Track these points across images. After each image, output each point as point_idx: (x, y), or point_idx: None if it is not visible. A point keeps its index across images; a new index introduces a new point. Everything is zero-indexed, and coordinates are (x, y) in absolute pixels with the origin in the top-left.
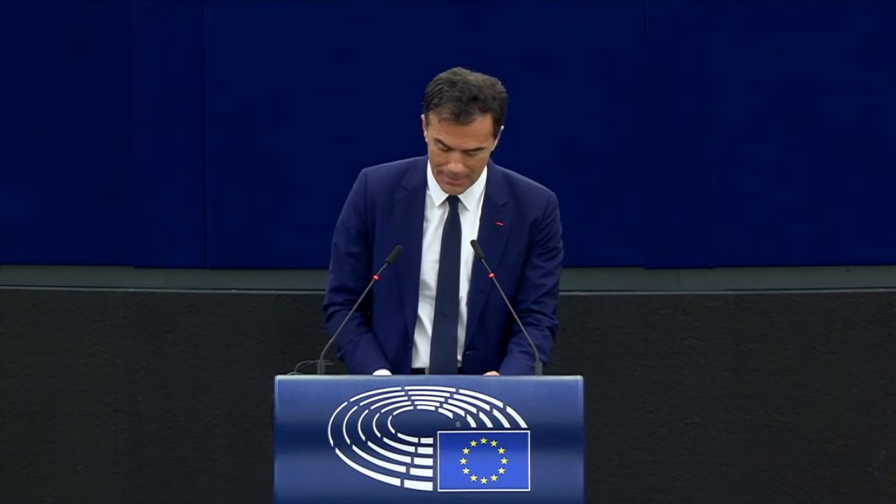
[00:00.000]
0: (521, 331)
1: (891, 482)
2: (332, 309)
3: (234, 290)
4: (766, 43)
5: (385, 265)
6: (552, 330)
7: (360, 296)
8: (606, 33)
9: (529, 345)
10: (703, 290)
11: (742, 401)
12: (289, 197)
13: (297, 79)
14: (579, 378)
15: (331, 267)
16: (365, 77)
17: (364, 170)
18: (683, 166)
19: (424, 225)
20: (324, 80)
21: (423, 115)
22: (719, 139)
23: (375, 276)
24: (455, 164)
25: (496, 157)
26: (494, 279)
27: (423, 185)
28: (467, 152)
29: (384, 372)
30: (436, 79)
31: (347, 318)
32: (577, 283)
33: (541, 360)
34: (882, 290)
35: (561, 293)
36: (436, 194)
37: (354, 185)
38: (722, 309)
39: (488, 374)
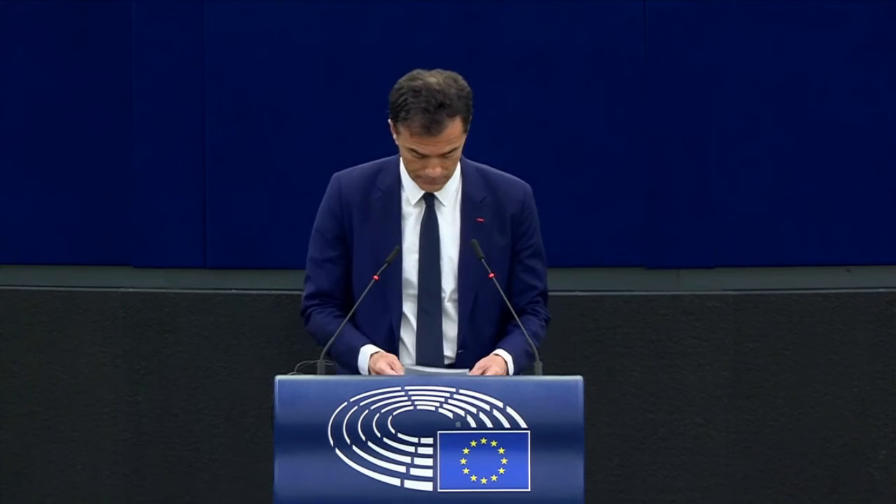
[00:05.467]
0: (521, 316)
1: (891, 482)
2: (309, 310)
3: (234, 290)
4: (766, 43)
5: (385, 265)
6: (547, 321)
7: (337, 298)
8: (606, 33)
9: (527, 337)
10: (703, 290)
11: (742, 401)
12: (289, 197)
13: (297, 79)
14: (579, 378)
15: (308, 274)
16: (365, 77)
17: (335, 174)
18: (683, 166)
19: (402, 224)
20: (324, 80)
21: (390, 121)
22: (719, 139)
23: (375, 277)
24: (433, 170)
25: (490, 155)
26: (494, 279)
27: (398, 184)
28: (443, 155)
29: (370, 346)
30: (397, 87)
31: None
32: (577, 283)
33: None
34: (882, 290)
35: (561, 293)
36: (411, 193)
37: (327, 191)
38: (722, 309)
39: (491, 356)
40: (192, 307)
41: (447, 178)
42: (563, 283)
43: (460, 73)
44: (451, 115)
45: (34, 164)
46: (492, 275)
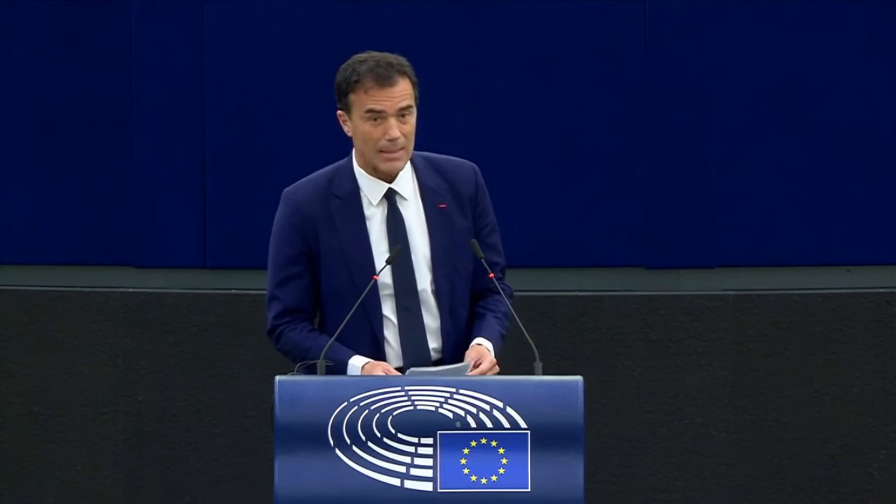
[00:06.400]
0: (488, 297)
1: (891, 482)
2: (279, 329)
3: (234, 291)
4: (766, 43)
5: (386, 265)
6: (511, 296)
7: (307, 313)
8: (606, 33)
9: (501, 313)
10: (703, 290)
11: (742, 401)
12: None
13: (297, 79)
14: (579, 378)
15: (271, 294)
16: None
17: (286, 191)
18: (683, 166)
19: (368, 226)
20: (324, 80)
21: (340, 111)
22: (719, 139)
23: (375, 277)
24: (393, 130)
25: (491, 154)
26: (491, 273)
27: (356, 188)
28: (401, 115)
29: (359, 357)
30: (342, 67)
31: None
32: (577, 283)
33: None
34: (882, 290)
35: (561, 293)
36: (371, 193)
37: (282, 210)
38: (722, 309)
39: (473, 348)
40: (192, 307)
41: (406, 151)
42: (563, 283)
43: (460, 73)
44: (401, 73)
45: (34, 164)
46: (491, 275)
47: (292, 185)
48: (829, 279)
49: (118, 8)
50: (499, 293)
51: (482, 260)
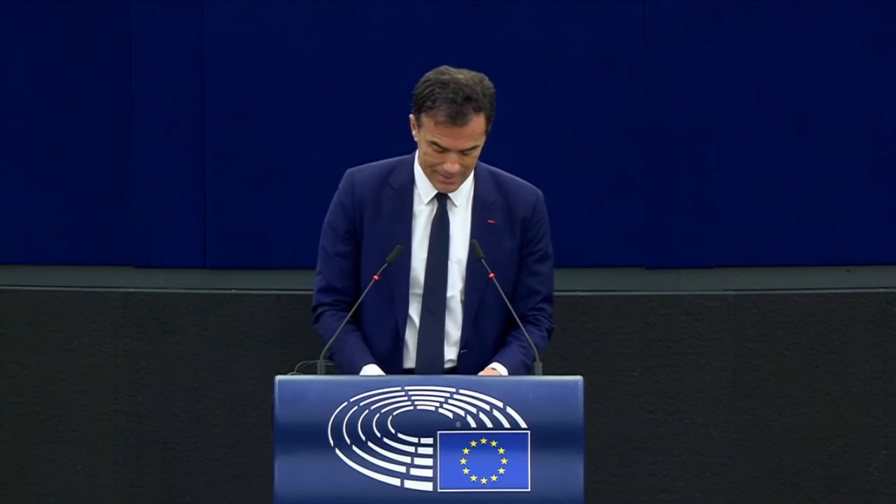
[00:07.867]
0: (519, 328)
1: (891, 482)
2: (320, 309)
3: (234, 291)
4: (766, 43)
5: (386, 265)
6: (550, 332)
7: (348, 295)
8: (606, 33)
9: (528, 342)
10: (703, 290)
11: (742, 401)
12: (289, 197)
13: (297, 79)
14: (579, 378)
15: (319, 268)
16: (364, 77)
17: (349, 170)
18: (683, 166)
19: (413, 222)
20: (324, 80)
21: (412, 115)
22: (719, 139)
23: (375, 277)
24: (451, 165)
25: (490, 155)
26: (494, 279)
27: (411, 182)
28: (462, 151)
29: (373, 367)
30: (424, 79)
31: (345, 322)
32: (577, 283)
33: (536, 358)
34: (882, 290)
35: (561, 293)
36: (424, 192)
37: (340, 185)
38: (722, 309)
39: (487, 370)
40: (193, 307)
41: (464, 177)
42: (563, 283)
43: None
44: (477, 111)
45: (34, 164)
46: (491, 275)
47: (357, 166)
48: (829, 279)
49: (118, 8)
50: (535, 325)
51: (482, 260)
